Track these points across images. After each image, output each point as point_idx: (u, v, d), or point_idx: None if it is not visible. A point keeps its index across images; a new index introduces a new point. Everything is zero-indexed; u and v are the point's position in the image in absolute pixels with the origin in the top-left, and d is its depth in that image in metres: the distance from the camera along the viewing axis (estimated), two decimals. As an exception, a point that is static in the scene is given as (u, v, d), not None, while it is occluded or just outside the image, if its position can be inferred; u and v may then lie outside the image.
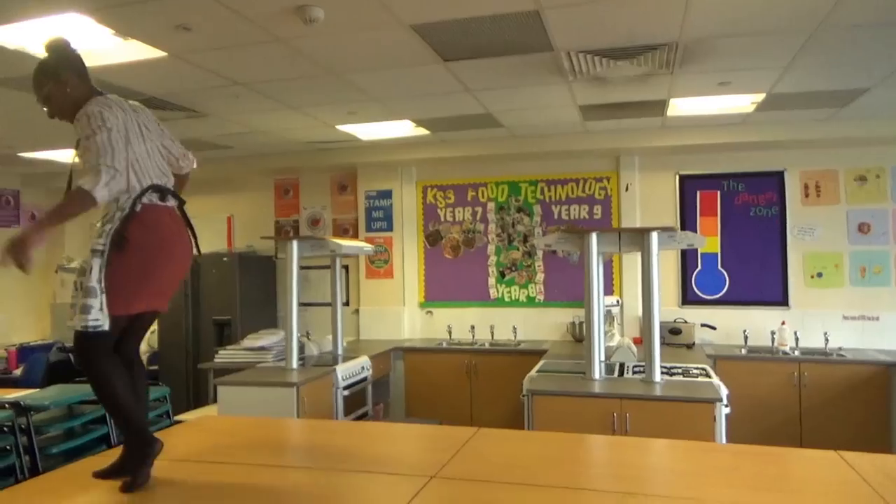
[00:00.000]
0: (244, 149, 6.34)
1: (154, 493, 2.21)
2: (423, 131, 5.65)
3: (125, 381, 2.21)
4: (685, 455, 2.77)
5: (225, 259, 6.46)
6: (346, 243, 5.10)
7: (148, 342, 6.71)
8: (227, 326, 6.28)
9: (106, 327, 2.08)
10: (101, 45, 3.27)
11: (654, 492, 2.16)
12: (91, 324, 2.05)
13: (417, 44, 3.43)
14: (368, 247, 5.64)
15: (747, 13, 3.10)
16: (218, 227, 7.25)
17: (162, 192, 2.27)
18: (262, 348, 5.12)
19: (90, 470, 2.46)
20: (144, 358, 6.64)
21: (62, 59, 2.27)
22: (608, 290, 6.12)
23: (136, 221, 2.14)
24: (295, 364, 4.70)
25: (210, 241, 7.06)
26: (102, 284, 2.06)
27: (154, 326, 6.72)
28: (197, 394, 6.16)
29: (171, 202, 2.32)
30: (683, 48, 3.58)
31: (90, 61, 3.51)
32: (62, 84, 2.22)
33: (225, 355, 5.17)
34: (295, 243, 4.76)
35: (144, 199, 2.18)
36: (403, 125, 5.43)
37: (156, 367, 6.55)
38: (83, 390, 3.02)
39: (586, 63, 3.80)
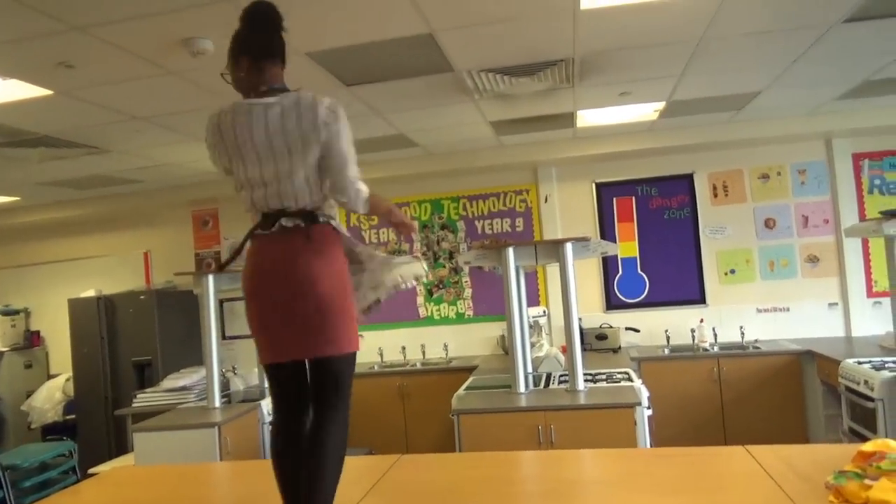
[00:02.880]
0: (156, 182, 6.14)
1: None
2: (338, 154, 5.60)
3: None
4: (601, 463, 2.81)
5: (142, 297, 6.22)
6: (265, 273, 4.98)
7: (63, 389, 6.38)
8: (148, 367, 6.03)
9: None
10: (-23, 86, 3.11)
11: (567, 505, 2.18)
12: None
13: (316, 71, 3.41)
14: (289, 275, 5.54)
15: (633, 28, 3.22)
16: (134, 263, 6.99)
17: None
18: (183, 388, 4.93)
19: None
20: (60, 407, 6.32)
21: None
22: (535, 301, 6.20)
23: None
24: (217, 402, 4.53)
25: (126, 279, 6.80)
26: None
27: (69, 373, 6.41)
28: (120, 443, 5.87)
29: None
30: (580, 62, 3.68)
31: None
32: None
33: (144, 399, 4.94)
34: (210, 277, 4.61)
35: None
36: (317, 150, 5.36)
37: (72, 417, 6.23)
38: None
39: (489, 81, 3.85)
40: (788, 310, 5.85)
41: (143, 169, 5.49)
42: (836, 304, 5.78)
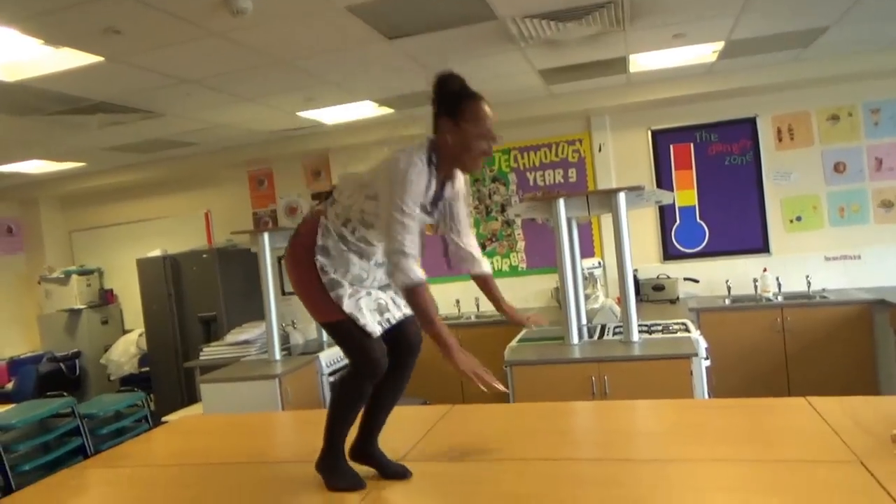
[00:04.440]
0: (210, 143, 6.28)
1: (123, 498, 2.22)
2: (387, 110, 5.58)
3: None
4: (655, 414, 2.78)
5: (204, 255, 6.44)
6: (319, 231, 5.06)
7: (137, 344, 6.73)
8: (214, 322, 6.28)
9: None
10: (34, 55, 3.21)
11: (624, 456, 2.17)
12: None
13: (358, 25, 3.36)
14: (342, 232, 5.61)
15: (687, -38, 3.04)
16: (196, 223, 7.22)
17: None
18: (245, 342, 5.12)
19: (64, 483, 2.48)
20: (135, 360, 6.68)
21: None
22: (589, 252, 6.11)
23: None
24: (277, 355, 4.70)
25: (189, 238, 7.04)
26: None
27: (142, 328, 6.74)
28: (190, 393, 6.18)
29: None
30: (630, 4, 3.50)
31: (25, 73, 3.49)
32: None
33: (209, 352, 5.17)
34: (266, 236, 4.73)
35: None
36: (365, 106, 5.36)
37: (147, 369, 6.57)
38: (53, 404, 3.03)
39: (534, 27, 3.72)
40: (860, 257, 5.57)
41: (197, 131, 5.61)
42: (914, 250, 5.47)
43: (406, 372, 2.25)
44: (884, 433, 2.04)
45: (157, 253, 6.62)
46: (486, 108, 1.93)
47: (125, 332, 7.26)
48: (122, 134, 5.28)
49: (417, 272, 1.83)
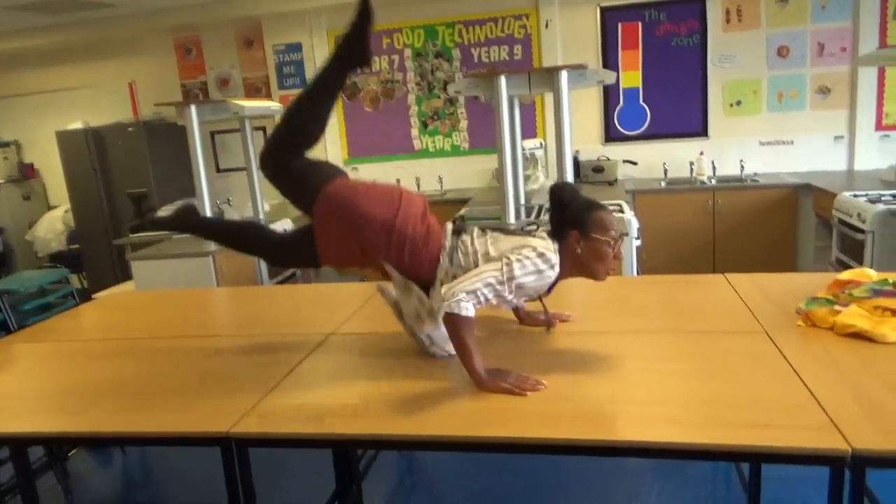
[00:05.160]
0: (131, 5, 5.76)
1: (50, 370, 2.19)
2: (323, -29, 5.20)
3: None
4: (584, 289, 2.86)
5: (130, 129, 6.10)
6: (251, 104, 4.81)
7: (63, 220, 6.48)
8: (144, 199, 6.06)
9: None
10: None
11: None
12: None
13: None
14: (276, 106, 5.34)
15: None
16: (120, 95, 6.77)
17: None
18: (178, 219, 4.97)
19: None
20: (63, 237, 6.46)
21: None
22: (532, 133, 6.06)
23: None
24: (212, 233, 4.59)
25: (113, 110, 6.63)
26: None
27: (68, 204, 6.47)
28: (124, 271, 6.05)
29: None
30: None
31: None
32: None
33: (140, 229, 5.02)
34: (193, 108, 4.46)
35: None
36: (299, -34, 4.96)
37: (77, 247, 6.37)
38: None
39: None
40: (792, 143, 5.70)
41: (114, -11, 5.13)
42: (842, 137, 5.62)
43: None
44: (790, 306, 2.16)
45: (78, 125, 6.23)
46: (611, 216, 1.90)
47: (50, 208, 6.96)
48: (26, -11, 4.77)
49: (472, 310, 1.74)
